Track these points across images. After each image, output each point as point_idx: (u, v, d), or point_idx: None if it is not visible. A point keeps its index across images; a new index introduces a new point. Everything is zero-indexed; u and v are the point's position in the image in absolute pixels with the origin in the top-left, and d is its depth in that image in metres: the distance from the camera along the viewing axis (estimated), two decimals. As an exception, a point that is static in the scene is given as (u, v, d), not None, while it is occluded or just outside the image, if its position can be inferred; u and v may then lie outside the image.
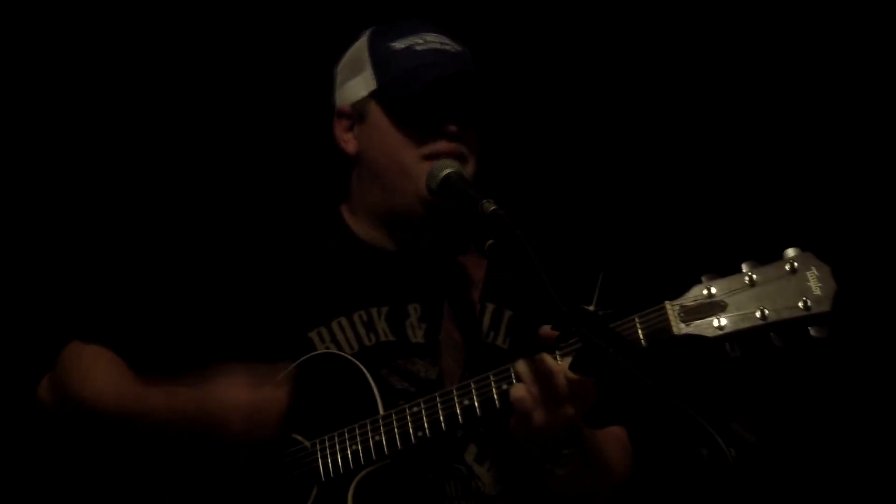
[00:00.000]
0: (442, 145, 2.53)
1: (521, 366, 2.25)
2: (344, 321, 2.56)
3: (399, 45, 2.59)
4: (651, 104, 3.79)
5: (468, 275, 2.64)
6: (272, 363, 2.48)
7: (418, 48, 2.58)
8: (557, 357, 2.23)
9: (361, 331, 2.56)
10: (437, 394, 2.36)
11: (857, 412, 3.63)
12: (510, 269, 2.31)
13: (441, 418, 2.34)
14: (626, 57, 3.79)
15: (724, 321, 2.18)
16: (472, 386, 2.33)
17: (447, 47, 2.60)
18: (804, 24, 3.68)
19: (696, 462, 1.88)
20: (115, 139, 3.62)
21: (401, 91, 2.54)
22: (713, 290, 2.19)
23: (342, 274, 2.62)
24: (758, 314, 2.16)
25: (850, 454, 3.63)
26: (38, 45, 3.58)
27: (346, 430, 2.41)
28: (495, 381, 2.30)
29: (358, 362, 2.44)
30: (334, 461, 2.40)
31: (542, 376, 2.22)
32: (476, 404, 2.32)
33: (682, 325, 2.19)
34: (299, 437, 2.46)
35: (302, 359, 2.49)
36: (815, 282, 2.15)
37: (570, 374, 2.19)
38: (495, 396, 2.30)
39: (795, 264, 2.17)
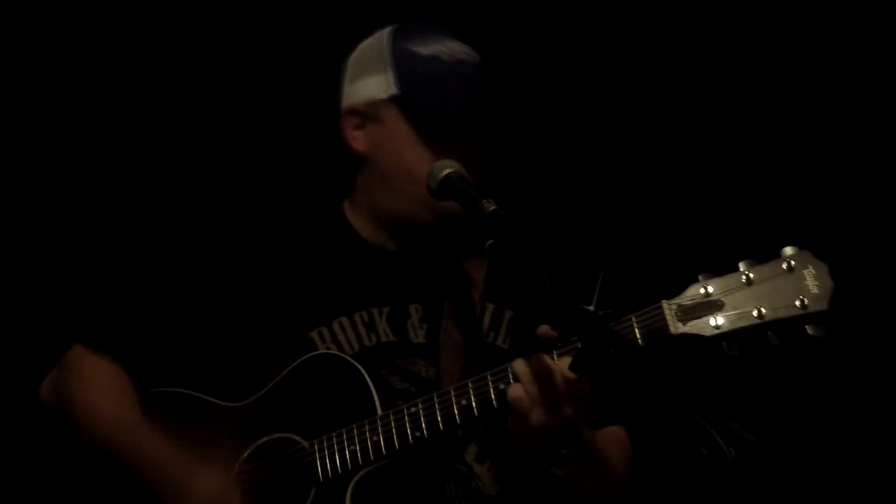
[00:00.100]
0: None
1: (519, 365, 2.25)
2: (345, 321, 2.57)
3: (424, 51, 2.56)
4: (648, 104, 3.79)
5: (469, 275, 2.65)
6: (272, 364, 2.50)
7: (444, 58, 2.55)
8: (555, 357, 2.23)
9: (362, 331, 2.56)
10: (434, 394, 2.36)
11: (855, 411, 3.63)
12: (510, 269, 2.31)
13: (438, 418, 2.33)
14: (623, 57, 3.78)
15: (721, 320, 2.16)
16: (470, 386, 2.32)
17: (469, 58, 2.58)
18: (802, 25, 3.68)
19: (696, 462, 1.88)
20: (115, 139, 3.62)
21: (431, 104, 2.53)
22: (710, 289, 2.18)
23: (343, 274, 2.63)
24: (755, 313, 2.15)
25: (849, 453, 3.63)
26: (40, 48, 3.58)
27: (344, 430, 2.40)
28: (493, 381, 2.30)
29: (356, 363, 2.44)
30: (332, 462, 2.40)
31: (540, 376, 2.21)
32: (473, 404, 2.31)
33: (679, 325, 2.18)
34: (298, 438, 2.46)
35: (301, 359, 2.49)
36: (813, 280, 2.14)
37: (568, 374, 2.19)
38: (493, 396, 2.29)
39: (792, 263, 2.16)
